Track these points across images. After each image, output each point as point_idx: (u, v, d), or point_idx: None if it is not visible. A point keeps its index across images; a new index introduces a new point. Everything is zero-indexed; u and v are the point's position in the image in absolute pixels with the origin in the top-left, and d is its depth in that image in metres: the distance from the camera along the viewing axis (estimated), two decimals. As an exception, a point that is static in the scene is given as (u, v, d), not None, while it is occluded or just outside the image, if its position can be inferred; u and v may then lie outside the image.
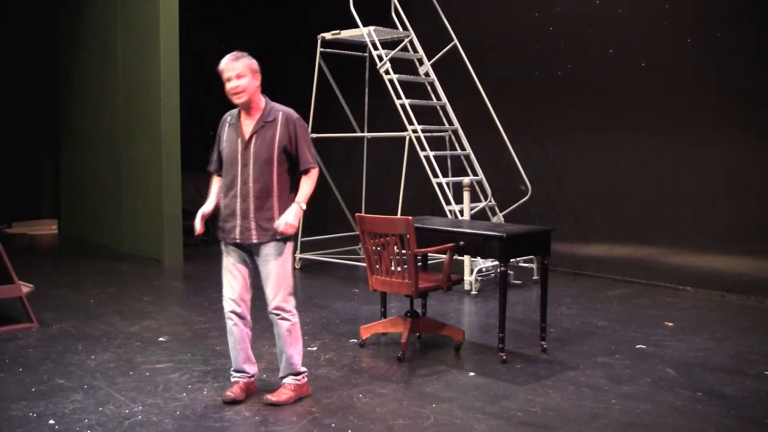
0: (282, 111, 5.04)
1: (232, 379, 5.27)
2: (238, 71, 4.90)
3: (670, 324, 7.31)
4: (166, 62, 10.54)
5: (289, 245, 5.11)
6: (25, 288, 7.31)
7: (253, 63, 4.98)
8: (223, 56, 4.99)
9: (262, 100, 5.04)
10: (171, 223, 10.72)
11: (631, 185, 9.42)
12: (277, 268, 5.01)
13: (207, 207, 5.17)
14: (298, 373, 5.19)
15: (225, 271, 5.15)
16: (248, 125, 5.00)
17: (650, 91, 9.20)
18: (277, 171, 4.96)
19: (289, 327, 5.08)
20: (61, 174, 14.02)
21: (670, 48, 9.00)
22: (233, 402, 5.11)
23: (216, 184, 5.25)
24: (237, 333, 5.16)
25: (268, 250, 5.00)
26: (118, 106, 11.74)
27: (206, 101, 13.76)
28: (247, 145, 4.96)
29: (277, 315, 5.06)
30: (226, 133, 5.10)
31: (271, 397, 5.11)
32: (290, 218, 4.92)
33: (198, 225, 5.11)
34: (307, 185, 5.05)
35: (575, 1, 9.90)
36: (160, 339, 6.76)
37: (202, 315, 7.65)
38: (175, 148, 10.65)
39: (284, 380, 5.19)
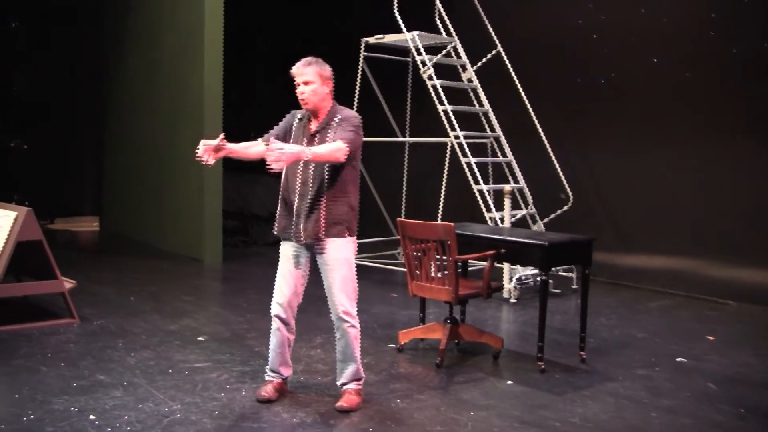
0: (342, 113, 5.02)
1: (266, 378, 5.31)
2: (306, 78, 4.91)
3: (712, 338, 7.22)
4: (209, 61, 10.60)
5: (353, 246, 5.06)
6: (68, 284, 7.38)
7: (324, 70, 4.96)
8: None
9: (329, 105, 5.03)
10: (211, 222, 10.79)
11: (672, 196, 9.32)
12: (343, 272, 4.99)
13: (223, 143, 4.97)
14: (361, 378, 5.21)
15: (278, 274, 5.15)
16: (313, 127, 5.02)
17: (694, 102, 9.10)
18: (329, 173, 4.92)
19: (356, 334, 5.07)
20: (104, 171, 14.18)
21: (716, 58, 8.90)
22: (267, 401, 5.15)
23: (253, 142, 5.16)
24: (278, 337, 5.19)
25: (330, 253, 4.98)
26: (162, 104, 11.85)
27: (249, 101, 13.90)
28: (308, 145, 4.93)
29: (346, 322, 5.02)
30: (294, 128, 5.12)
31: (344, 404, 5.08)
32: (286, 147, 4.55)
33: (201, 148, 4.91)
34: (324, 146, 4.77)
35: (620, 9, 9.82)
36: (199, 338, 6.80)
37: (240, 315, 7.68)
38: (216, 149, 10.68)
39: (348, 386, 5.16)
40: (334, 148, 4.76)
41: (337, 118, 4.98)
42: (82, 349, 6.39)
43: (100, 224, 14.44)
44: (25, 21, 14.16)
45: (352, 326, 5.05)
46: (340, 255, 4.99)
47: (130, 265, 10.51)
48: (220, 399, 5.22)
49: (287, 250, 5.13)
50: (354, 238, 5.08)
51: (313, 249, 5.05)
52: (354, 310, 5.06)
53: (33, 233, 7.00)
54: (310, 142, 4.95)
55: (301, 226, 4.97)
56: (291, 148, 4.59)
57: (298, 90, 4.95)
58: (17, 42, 14.13)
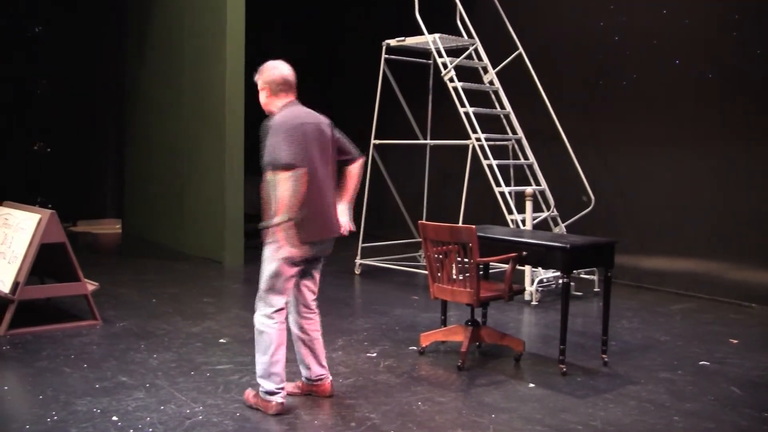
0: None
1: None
2: (258, 87, 5.12)
3: (735, 341, 7.17)
4: (231, 65, 10.63)
5: (274, 248, 4.87)
6: (91, 286, 7.42)
7: (265, 74, 5.06)
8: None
9: (275, 109, 5.05)
10: (232, 225, 10.83)
11: (695, 197, 9.26)
12: (263, 268, 4.97)
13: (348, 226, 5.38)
14: (259, 384, 5.07)
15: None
16: None
17: (717, 103, 9.04)
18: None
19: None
20: (126, 174, 14.26)
21: (739, 59, 8.84)
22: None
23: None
24: (291, 336, 5.27)
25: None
26: (183, 108, 11.90)
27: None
28: None
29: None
30: None
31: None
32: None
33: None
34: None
35: (641, 11, 9.78)
36: (221, 340, 6.82)
37: (262, 317, 7.68)
38: (238, 151, 10.74)
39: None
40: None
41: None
42: (104, 350, 6.43)
43: (122, 227, 14.53)
44: (47, 25, 14.27)
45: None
46: (267, 253, 4.97)
47: (151, 268, 10.57)
48: (242, 401, 5.23)
49: (298, 252, 5.04)
50: None
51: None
52: (262, 307, 5.06)
53: (56, 236, 7.05)
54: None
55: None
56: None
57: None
58: (40, 46, 14.25)
